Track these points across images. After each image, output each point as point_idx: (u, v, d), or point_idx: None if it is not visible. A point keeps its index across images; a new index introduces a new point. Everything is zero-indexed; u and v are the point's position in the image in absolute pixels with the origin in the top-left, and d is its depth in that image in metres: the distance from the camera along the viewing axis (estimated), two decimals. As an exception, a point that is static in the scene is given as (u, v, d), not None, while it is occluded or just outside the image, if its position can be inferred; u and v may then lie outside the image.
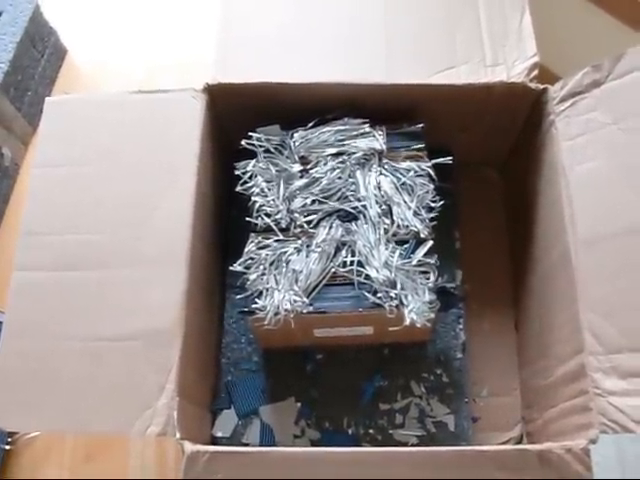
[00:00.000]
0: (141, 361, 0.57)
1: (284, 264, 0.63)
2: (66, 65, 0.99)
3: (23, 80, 0.89)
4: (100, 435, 0.74)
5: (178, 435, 0.54)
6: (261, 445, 0.68)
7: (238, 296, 0.64)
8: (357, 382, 0.70)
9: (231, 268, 0.63)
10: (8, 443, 0.74)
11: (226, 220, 0.76)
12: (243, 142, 0.67)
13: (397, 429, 0.68)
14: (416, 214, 0.64)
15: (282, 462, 0.54)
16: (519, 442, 0.71)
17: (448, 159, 0.67)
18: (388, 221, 0.64)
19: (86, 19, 1.04)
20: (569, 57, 0.93)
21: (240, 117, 0.68)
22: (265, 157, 0.67)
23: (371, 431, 0.68)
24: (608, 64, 0.63)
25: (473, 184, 0.81)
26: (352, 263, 0.62)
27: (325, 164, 0.66)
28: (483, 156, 0.81)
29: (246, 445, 0.68)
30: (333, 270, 0.62)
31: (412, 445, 0.68)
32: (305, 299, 0.61)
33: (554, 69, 0.94)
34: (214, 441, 0.69)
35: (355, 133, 0.68)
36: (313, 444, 0.68)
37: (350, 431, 0.68)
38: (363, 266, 0.62)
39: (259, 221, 0.65)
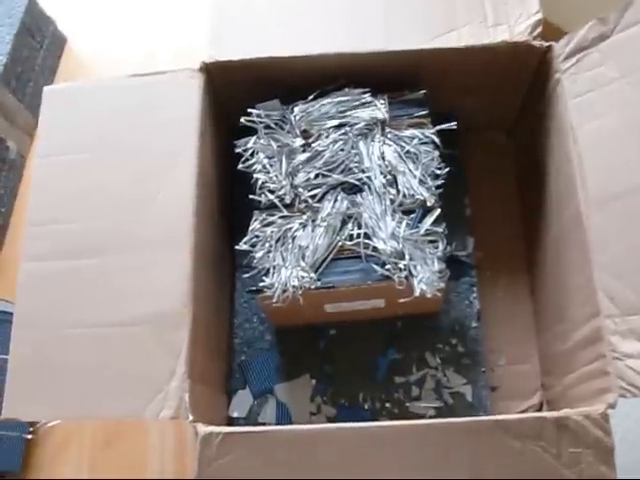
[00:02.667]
0: (150, 345, 0.57)
1: (290, 240, 0.62)
2: (66, 54, 0.98)
3: (24, 72, 0.89)
4: (115, 420, 0.74)
5: (191, 417, 0.54)
6: (277, 424, 0.68)
7: (246, 275, 0.63)
8: (371, 356, 0.70)
9: (237, 247, 0.63)
10: (30, 432, 0.75)
11: (232, 198, 0.75)
12: (242, 119, 0.66)
13: (414, 402, 0.68)
14: (422, 182, 0.63)
15: (296, 440, 0.53)
16: (539, 410, 0.70)
17: (452, 125, 0.65)
18: (394, 191, 0.63)
19: (85, 6, 1.03)
20: (577, 11, 0.90)
21: (239, 94, 0.67)
22: (266, 133, 0.66)
23: (387, 405, 0.68)
24: (614, 16, 0.60)
25: (481, 149, 0.79)
26: (359, 236, 0.61)
27: (327, 137, 0.65)
28: (490, 119, 0.79)
29: (262, 424, 0.68)
30: (340, 244, 0.62)
31: (430, 417, 0.67)
32: (313, 275, 0.60)
33: (562, 25, 0.91)
34: (230, 422, 0.69)
35: (356, 103, 0.66)
36: (329, 421, 0.68)
37: (366, 406, 0.68)
38: (370, 238, 0.61)
39: (263, 198, 0.64)
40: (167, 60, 0.93)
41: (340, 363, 0.70)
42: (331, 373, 0.70)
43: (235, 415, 0.69)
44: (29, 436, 0.75)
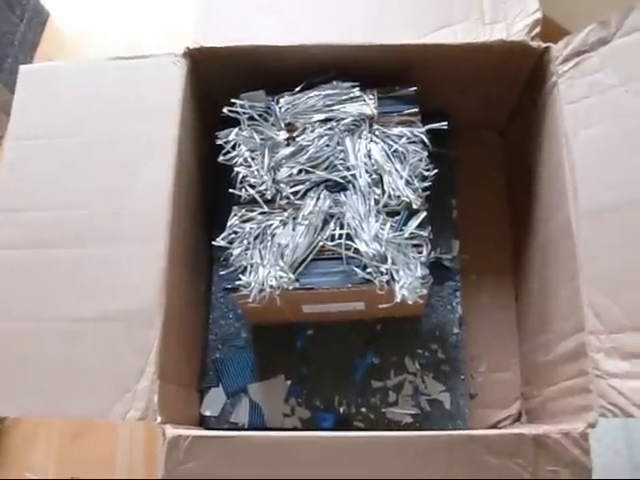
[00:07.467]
0: (121, 342, 0.55)
1: (269, 238, 0.60)
2: (49, 29, 0.94)
3: (1, 46, 0.85)
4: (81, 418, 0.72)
5: (159, 419, 0.52)
6: (250, 424, 0.66)
7: (223, 271, 0.61)
8: (349, 359, 0.68)
9: (214, 243, 0.61)
10: (-4, 422, 0.73)
11: (213, 191, 0.72)
12: (225, 109, 0.63)
13: (390, 407, 0.66)
14: (408, 183, 0.61)
15: (265, 446, 0.52)
16: (517, 420, 0.69)
17: (443, 124, 0.63)
18: (379, 191, 0.61)
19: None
20: (580, 8, 0.87)
21: (224, 83, 0.65)
22: (249, 125, 0.63)
23: (363, 410, 0.66)
24: (616, 20, 0.58)
25: (472, 149, 0.77)
26: (341, 236, 0.59)
27: (312, 131, 0.63)
28: (482, 119, 0.77)
29: (234, 424, 0.66)
30: (321, 244, 0.60)
31: (406, 424, 0.65)
32: (291, 275, 0.58)
33: (565, 24, 0.88)
34: (202, 420, 0.67)
35: (344, 97, 0.64)
36: (303, 423, 0.66)
37: (341, 410, 0.66)
38: (352, 239, 0.59)
39: (243, 193, 0.62)
40: (153, 44, 0.89)
41: (316, 364, 0.68)
42: (307, 374, 0.68)
43: (207, 414, 0.67)
44: (-5, 426, 0.73)
